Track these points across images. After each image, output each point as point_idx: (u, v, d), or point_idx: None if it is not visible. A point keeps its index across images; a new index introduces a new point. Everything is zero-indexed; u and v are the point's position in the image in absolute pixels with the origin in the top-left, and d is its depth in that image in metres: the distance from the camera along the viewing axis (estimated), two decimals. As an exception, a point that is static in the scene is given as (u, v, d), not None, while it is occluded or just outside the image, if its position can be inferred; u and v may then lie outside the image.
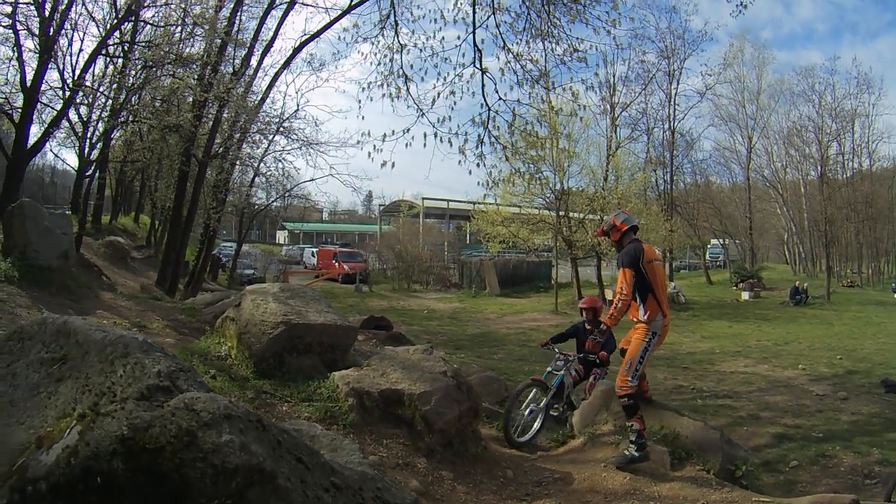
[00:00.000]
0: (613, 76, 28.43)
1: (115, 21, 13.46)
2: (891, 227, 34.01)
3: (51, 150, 19.28)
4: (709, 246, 39.03)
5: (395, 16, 6.64)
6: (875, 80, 46.38)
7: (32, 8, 12.87)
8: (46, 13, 12.86)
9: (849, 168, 33.54)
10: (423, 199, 36.22)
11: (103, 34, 13.92)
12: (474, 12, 6.66)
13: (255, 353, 4.38)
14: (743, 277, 27.79)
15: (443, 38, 6.67)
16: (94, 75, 15.47)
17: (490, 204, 23.16)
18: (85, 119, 16.51)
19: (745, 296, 25.29)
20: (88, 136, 16.95)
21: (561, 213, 21.83)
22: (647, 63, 29.43)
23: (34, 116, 13.93)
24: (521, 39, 6.94)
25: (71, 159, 42.89)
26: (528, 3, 6.98)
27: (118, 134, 16.00)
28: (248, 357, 4.38)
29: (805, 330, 16.71)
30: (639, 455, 3.80)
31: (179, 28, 13.31)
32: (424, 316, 17.93)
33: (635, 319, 4.05)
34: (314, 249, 36.81)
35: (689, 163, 34.15)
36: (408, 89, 6.60)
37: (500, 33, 6.80)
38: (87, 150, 17.02)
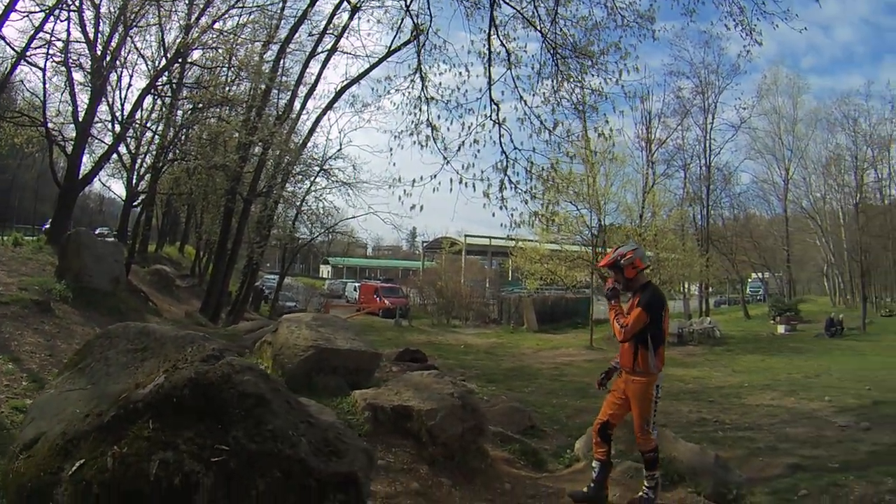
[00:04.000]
0: (649, 112, 28.38)
1: (164, 62, 14.09)
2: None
3: (99, 180, 20.59)
4: (749, 280, 38.12)
5: (420, 72, 7.21)
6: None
7: (84, 46, 13.68)
8: (98, 52, 13.29)
9: (887, 195, 32.41)
10: (466, 236, 36.92)
11: (152, 73, 14.57)
12: (489, 73, 7.19)
13: (287, 371, 5.05)
14: (780, 311, 27.31)
15: (466, 91, 7.24)
16: (142, 111, 16.27)
17: (529, 241, 23.38)
18: (133, 152, 17.37)
19: (781, 329, 24.97)
20: (136, 168, 17.95)
21: (598, 249, 21.99)
22: (683, 98, 29.28)
23: (85, 148, 14.80)
24: (534, 92, 7.36)
25: (118, 188, 44.86)
26: (540, 64, 7.39)
27: (166, 168, 16.96)
28: (281, 375, 4.93)
29: (837, 361, 16.29)
30: (655, 496, 3.85)
31: (226, 69, 14.16)
32: (461, 350, 18.05)
33: (640, 370, 3.78)
34: (356, 284, 37.89)
35: (728, 196, 33.60)
36: (434, 138, 7.10)
37: (517, 87, 7.30)
38: (134, 181, 18.04)
